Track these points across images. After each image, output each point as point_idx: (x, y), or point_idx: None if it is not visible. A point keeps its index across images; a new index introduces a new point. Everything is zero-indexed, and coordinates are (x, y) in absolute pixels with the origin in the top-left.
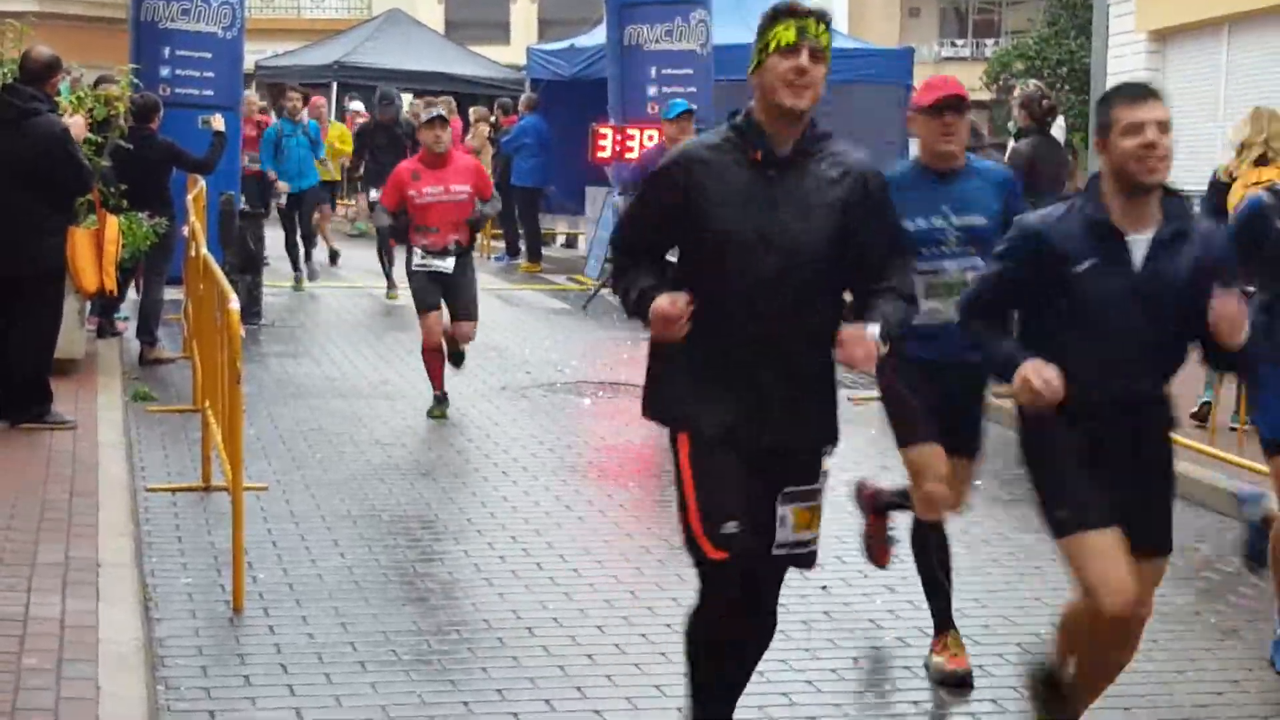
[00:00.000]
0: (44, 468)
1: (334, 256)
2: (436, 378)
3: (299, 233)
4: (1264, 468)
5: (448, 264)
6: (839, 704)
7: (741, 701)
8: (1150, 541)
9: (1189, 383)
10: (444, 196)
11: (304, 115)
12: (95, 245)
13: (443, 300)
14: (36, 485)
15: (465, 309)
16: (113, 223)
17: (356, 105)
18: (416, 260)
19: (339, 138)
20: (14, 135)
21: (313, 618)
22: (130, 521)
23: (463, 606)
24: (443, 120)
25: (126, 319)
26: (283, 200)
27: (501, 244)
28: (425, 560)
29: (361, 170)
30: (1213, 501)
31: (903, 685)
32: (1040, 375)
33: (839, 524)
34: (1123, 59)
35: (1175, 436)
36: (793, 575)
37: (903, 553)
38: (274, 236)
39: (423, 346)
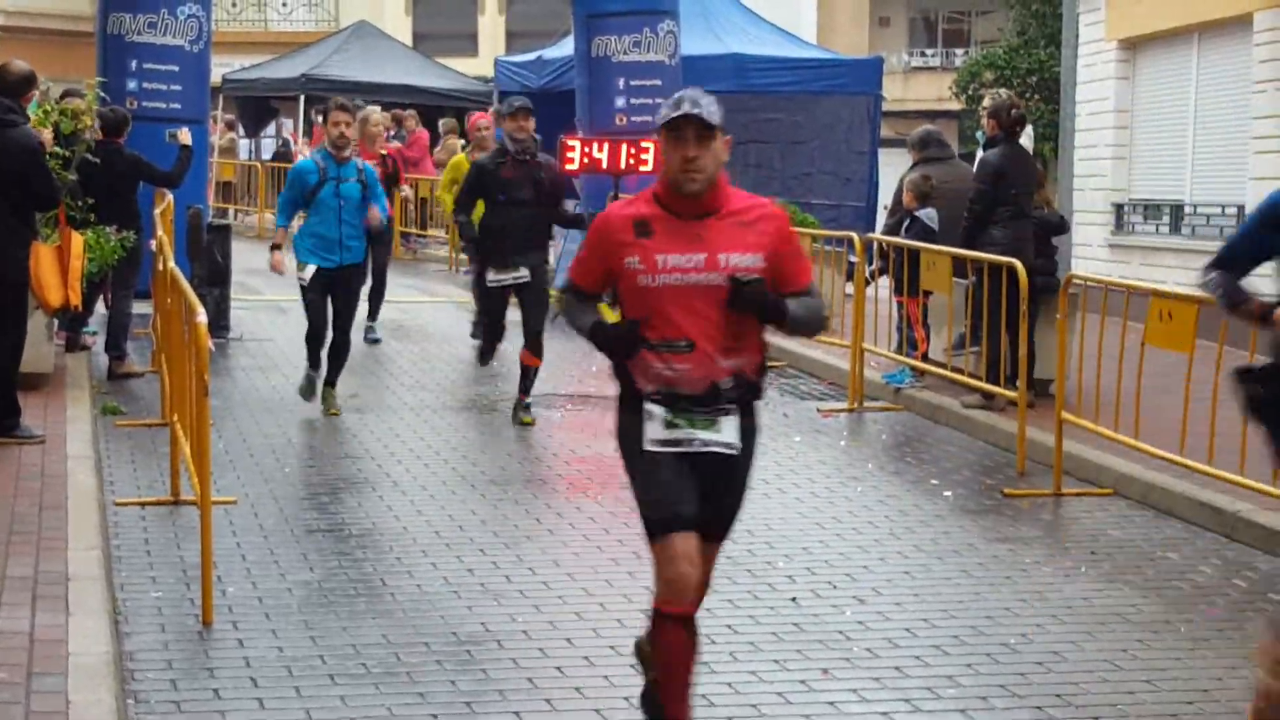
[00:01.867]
0: (12, 482)
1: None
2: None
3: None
4: (1230, 475)
5: (523, 273)
6: (808, 715)
7: (712, 713)
8: None
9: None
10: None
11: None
12: (59, 261)
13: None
14: (5, 499)
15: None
16: (77, 239)
17: None
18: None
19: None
20: None
21: (282, 631)
22: (99, 535)
23: (431, 619)
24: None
25: (95, 333)
26: (305, 276)
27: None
28: (394, 573)
29: None
30: (1183, 511)
31: (871, 697)
32: None
33: (807, 537)
34: (1093, 68)
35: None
36: (762, 588)
37: (870, 561)
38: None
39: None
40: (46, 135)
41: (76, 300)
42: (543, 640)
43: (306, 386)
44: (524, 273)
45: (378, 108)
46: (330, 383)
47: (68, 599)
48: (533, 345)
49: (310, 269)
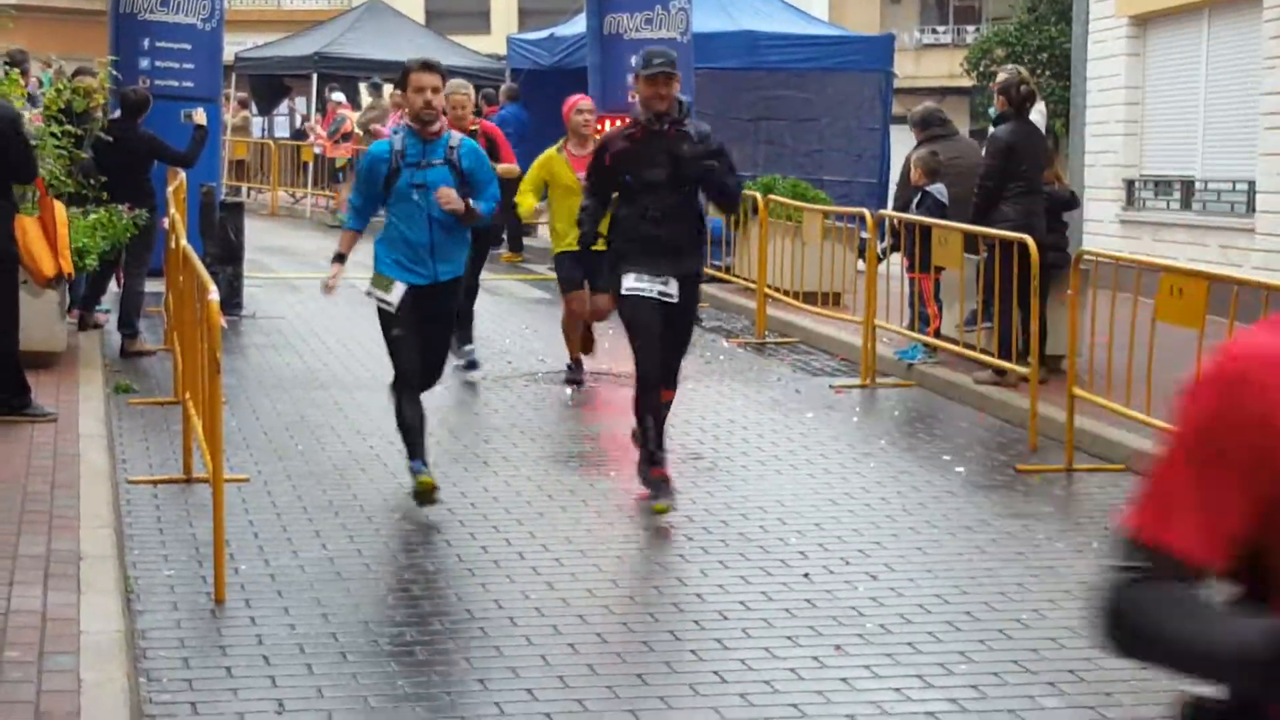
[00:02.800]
0: (25, 460)
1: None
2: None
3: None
4: None
5: (670, 290)
6: (822, 690)
7: (724, 689)
8: None
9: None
10: None
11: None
12: (46, 231)
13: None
14: (17, 478)
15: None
16: (59, 206)
17: (339, 96)
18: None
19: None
20: None
21: (294, 609)
22: (111, 513)
23: (445, 597)
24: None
25: (108, 311)
26: (392, 299)
27: None
28: (407, 551)
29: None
30: None
31: (884, 673)
32: None
33: (820, 513)
34: (1104, 44)
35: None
36: (775, 564)
37: (883, 537)
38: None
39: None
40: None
41: (68, 268)
42: (556, 617)
43: (422, 490)
44: (672, 289)
45: (460, 79)
46: (417, 453)
47: (80, 577)
48: (669, 377)
49: (399, 289)
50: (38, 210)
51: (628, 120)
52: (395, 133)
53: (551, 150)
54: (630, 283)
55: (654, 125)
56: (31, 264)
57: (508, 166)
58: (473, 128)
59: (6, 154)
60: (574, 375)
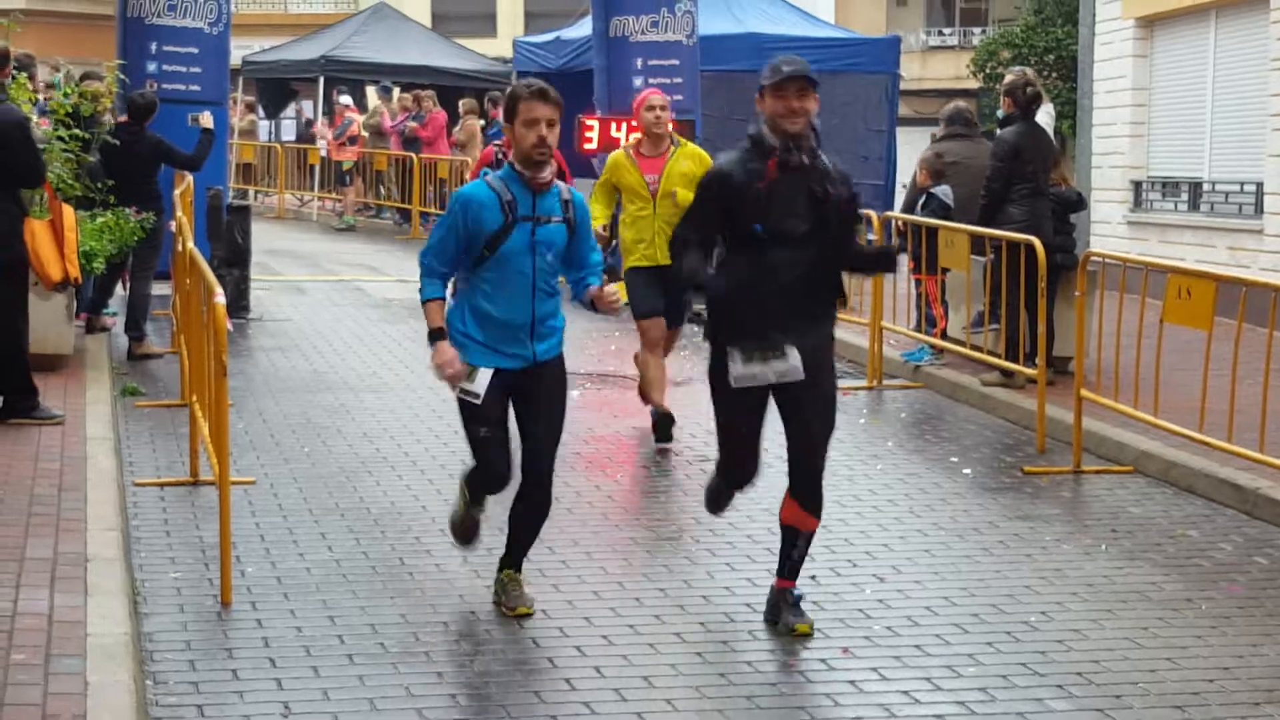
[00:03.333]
0: (32, 463)
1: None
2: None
3: None
4: (1250, 452)
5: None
6: (829, 693)
7: (731, 692)
8: None
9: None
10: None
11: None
12: (54, 235)
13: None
14: (24, 480)
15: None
16: (68, 211)
17: (346, 99)
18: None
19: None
20: None
21: (301, 611)
22: (118, 516)
23: (450, 599)
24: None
25: (115, 314)
26: (476, 387)
27: None
28: (413, 553)
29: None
30: (1203, 488)
31: (892, 675)
32: None
33: (827, 515)
34: (1110, 45)
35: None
36: None
37: (890, 539)
38: None
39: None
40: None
41: (75, 273)
42: (561, 619)
43: (463, 524)
44: (793, 362)
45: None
46: (514, 562)
47: (86, 580)
48: (806, 490)
49: (484, 376)
50: (48, 214)
51: (748, 145)
52: (496, 177)
53: (618, 153)
54: (739, 368)
55: (790, 156)
56: (40, 268)
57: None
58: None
59: (14, 159)
60: (664, 431)
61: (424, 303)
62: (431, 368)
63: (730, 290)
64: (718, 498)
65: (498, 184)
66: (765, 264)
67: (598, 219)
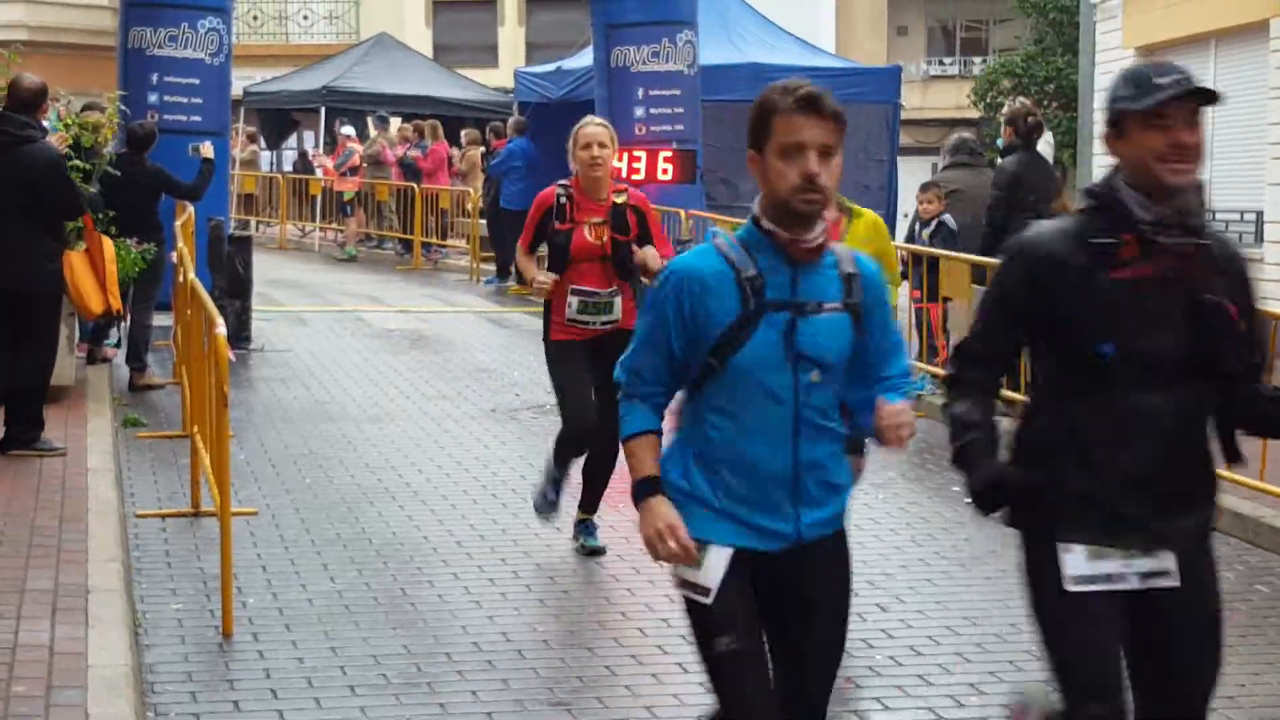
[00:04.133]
0: (33, 494)
1: None
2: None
3: None
4: (1252, 480)
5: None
6: None
7: None
8: None
9: None
10: None
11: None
12: (93, 267)
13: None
14: (26, 511)
15: None
16: (107, 242)
17: (348, 130)
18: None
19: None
20: (9, 163)
21: (302, 642)
22: (119, 547)
23: (452, 629)
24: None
25: (116, 345)
26: (707, 581)
27: (492, 267)
28: (415, 583)
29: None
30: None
31: (895, 705)
32: None
33: None
34: (1110, 75)
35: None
36: None
37: (892, 569)
38: None
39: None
40: (56, 139)
41: (117, 304)
42: (564, 650)
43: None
44: (1166, 564)
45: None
46: None
47: (88, 611)
48: None
49: (716, 560)
50: (82, 245)
51: (1083, 207)
52: (730, 244)
53: (875, 218)
54: (1080, 565)
55: (1163, 232)
56: (79, 300)
57: (656, 256)
58: (616, 196)
59: (51, 195)
60: None
61: (625, 440)
62: (641, 537)
63: (1038, 438)
64: None
65: (733, 250)
66: (1109, 402)
67: None
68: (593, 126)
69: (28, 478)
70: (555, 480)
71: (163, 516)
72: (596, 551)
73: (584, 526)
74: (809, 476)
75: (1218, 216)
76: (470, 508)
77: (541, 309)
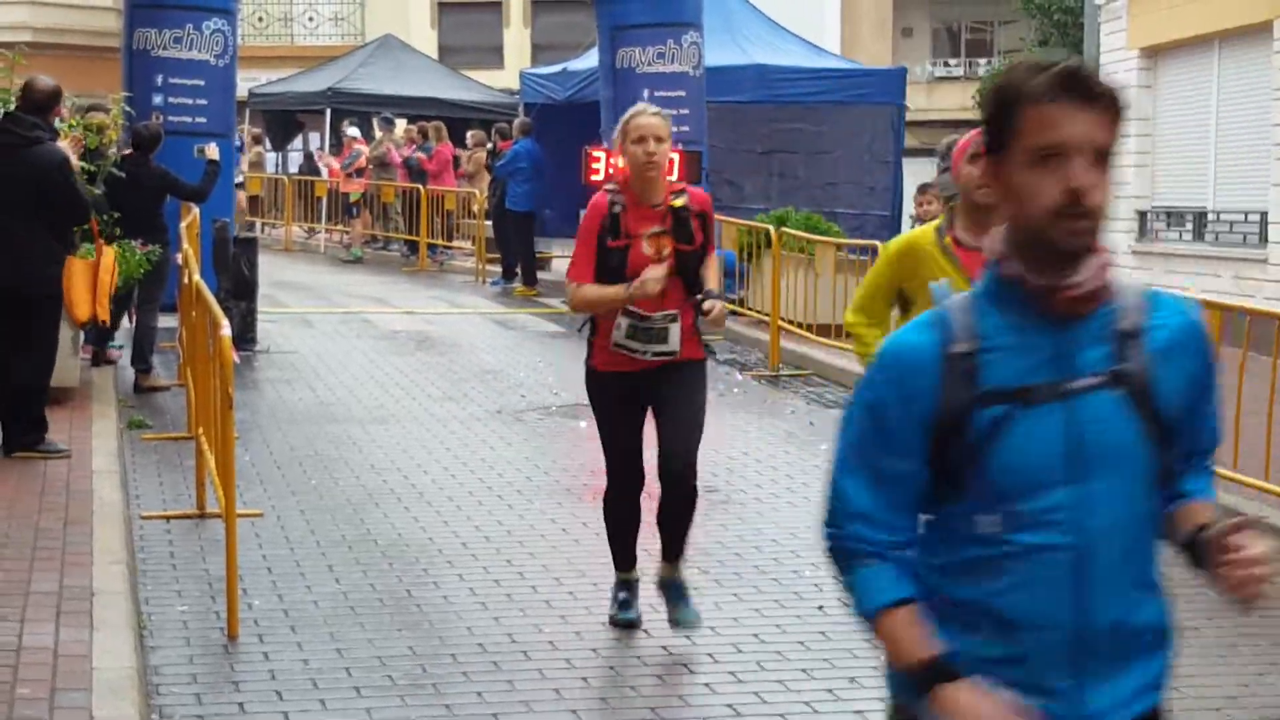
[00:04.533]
0: (38, 496)
1: None
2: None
3: None
4: (1255, 480)
5: None
6: None
7: None
8: None
9: None
10: None
11: None
12: (90, 275)
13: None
14: (30, 514)
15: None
16: (109, 253)
17: (353, 131)
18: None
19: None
20: (15, 163)
21: (307, 643)
22: (124, 549)
23: (457, 630)
24: None
25: (121, 347)
26: None
27: (498, 268)
28: (420, 584)
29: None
30: None
31: None
32: None
33: (828, 543)
34: (1115, 76)
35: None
36: (789, 597)
37: None
38: None
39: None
40: (76, 138)
41: (105, 315)
42: (569, 651)
43: None
44: None
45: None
46: None
47: (92, 614)
48: None
49: None
50: (92, 254)
51: None
52: (963, 304)
53: (919, 234)
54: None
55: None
56: (68, 305)
57: (724, 309)
58: (674, 197)
59: (57, 197)
60: None
61: (870, 616)
62: None
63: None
64: None
65: (962, 314)
66: None
67: (866, 343)
68: (646, 116)
69: (32, 480)
70: (624, 580)
71: (168, 518)
72: (631, 625)
73: (670, 588)
74: (1108, 637)
75: (1222, 217)
76: (475, 509)
77: (545, 310)
